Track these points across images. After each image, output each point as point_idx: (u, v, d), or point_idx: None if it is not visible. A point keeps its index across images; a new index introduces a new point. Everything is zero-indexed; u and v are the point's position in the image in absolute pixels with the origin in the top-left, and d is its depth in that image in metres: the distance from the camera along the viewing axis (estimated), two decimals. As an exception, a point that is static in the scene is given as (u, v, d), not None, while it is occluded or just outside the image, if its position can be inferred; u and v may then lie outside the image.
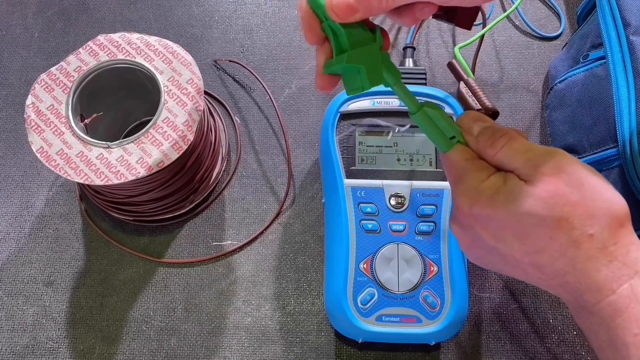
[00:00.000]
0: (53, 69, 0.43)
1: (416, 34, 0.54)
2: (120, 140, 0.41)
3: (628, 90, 0.39)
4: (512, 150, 0.28)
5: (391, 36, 0.56)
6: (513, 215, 0.27)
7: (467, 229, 0.30)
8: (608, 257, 0.25)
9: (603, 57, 0.43)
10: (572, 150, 0.45)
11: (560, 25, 0.56)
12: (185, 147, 0.41)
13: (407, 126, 0.44)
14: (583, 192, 0.26)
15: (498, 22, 0.52)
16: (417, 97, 0.44)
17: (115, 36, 0.44)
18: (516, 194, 0.26)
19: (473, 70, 0.51)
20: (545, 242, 0.26)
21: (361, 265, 0.41)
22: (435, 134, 0.30)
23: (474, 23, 0.33)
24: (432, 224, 0.41)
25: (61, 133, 0.41)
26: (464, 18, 0.32)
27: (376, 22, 0.39)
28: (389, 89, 0.44)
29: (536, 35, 0.55)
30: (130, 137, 0.41)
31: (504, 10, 0.57)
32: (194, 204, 0.48)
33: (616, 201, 0.26)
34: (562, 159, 0.27)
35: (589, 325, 0.27)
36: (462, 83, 0.48)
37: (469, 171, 0.29)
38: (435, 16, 0.32)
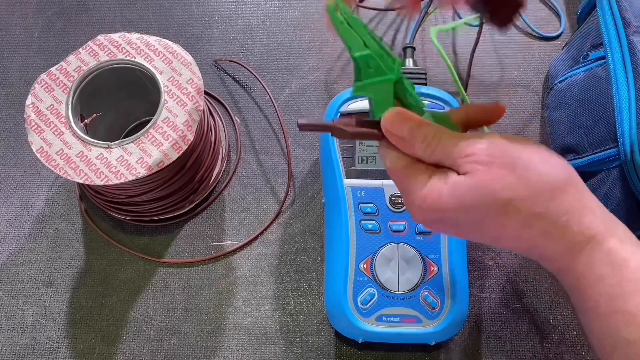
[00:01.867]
0: (53, 69, 0.43)
1: (416, 34, 0.54)
2: (120, 140, 0.41)
3: (628, 90, 0.39)
4: (444, 148, 0.27)
5: (391, 36, 0.56)
6: (461, 213, 0.27)
7: (429, 226, 0.30)
8: (562, 230, 0.25)
9: (603, 57, 0.43)
10: (572, 150, 0.45)
11: (560, 25, 0.56)
12: (185, 147, 0.41)
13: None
14: (518, 173, 0.25)
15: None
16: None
17: (115, 36, 0.44)
18: (458, 192, 0.26)
19: (469, 70, 0.51)
20: (500, 229, 0.26)
21: (361, 265, 0.41)
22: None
23: (512, 20, 0.32)
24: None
25: (61, 133, 0.41)
26: (503, 10, 0.31)
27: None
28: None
29: (536, 35, 0.55)
30: (130, 137, 0.41)
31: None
32: (194, 204, 0.48)
33: (551, 171, 0.26)
34: (491, 142, 0.26)
35: (567, 289, 0.28)
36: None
37: (410, 180, 0.28)
38: (472, 4, 0.31)
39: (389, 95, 0.29)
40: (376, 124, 0.29)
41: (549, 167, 0.26)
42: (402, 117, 0.29)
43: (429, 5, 0.54)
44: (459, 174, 0.27)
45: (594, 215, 0.26)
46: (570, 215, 0.25)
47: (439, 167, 0.28)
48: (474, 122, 0.30)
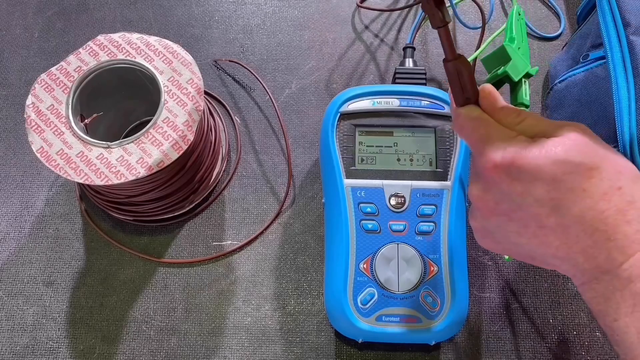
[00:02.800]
0: (53, 69, 0.43)
1: (416, 34, 0.54)
2: (120, 140, 0.41)
3: (628, 90, 0.39)
4: (536, 118, 0.28)
5: (391, 36, 0.56)
6: (548, 161, 0.26)
7: (493, 187, 0.29)
8: (637, 211, 0.25)
9: (603, 57, 0.43)
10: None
11: (560, 25, 0.56)
12: (185, 147, 0.41)
13: None
14: (608, 149, 0.26)
15: (498, 34, 0.52)
16: (417, 97, 0.44)
17: (115, 36, 0.44)
18: (550, 143, 0.26)
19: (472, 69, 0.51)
20: (577, 195, 0.26)
21: (361, 265, 0.41)
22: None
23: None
24: (432, 224, 0.41)
25: (61, 133, 0.41)
26: None
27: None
28: (388, 88, 0.44)
29: (536, 35, 0.55)
30: (130, 137, 0.41)
31: (504, 10, 0.57)
32: (194, 204, 0.48)
33: (630, 165, 0.27)
34: (582, 127, 0.27)
35: (607, 293, 0.26)
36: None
37: (499, 128, 0.29)
38: None
39: (519, 71, 0.33)
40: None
41: (628, 163, 0.27)
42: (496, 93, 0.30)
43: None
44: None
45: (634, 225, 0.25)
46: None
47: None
48: None
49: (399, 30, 0.56)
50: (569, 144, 0.26)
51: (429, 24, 0.56)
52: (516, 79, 0.31)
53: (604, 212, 0.25)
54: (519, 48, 0.32)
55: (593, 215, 0.26)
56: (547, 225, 0.27)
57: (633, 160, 0.37)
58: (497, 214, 0.29)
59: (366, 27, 0.56)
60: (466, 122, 0.30)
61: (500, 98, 0.30)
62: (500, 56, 0.31)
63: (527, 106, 0.31)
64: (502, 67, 0.31)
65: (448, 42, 0.30)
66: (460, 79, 0.30)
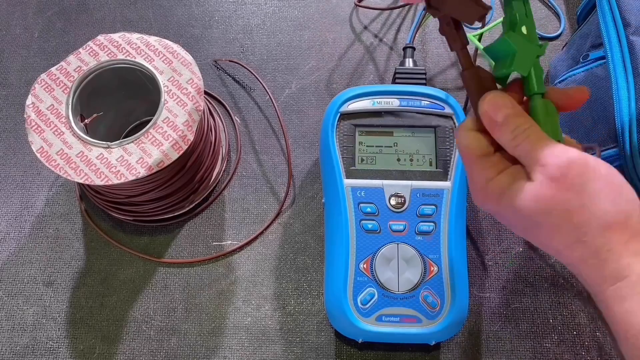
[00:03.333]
0: (53, 69, 0.43)
1: (416, 34, 0.54)
2: (120, 140, 0.41)
3: (628, 90, 0.39)
4: (528, 146, 0.28)
5: (391, 36, 0.56)
6: (518, 215, 0.28)
7: (485, 210, 0.32)
8: (599, 262, 0.27)
9: (603, 57, 0.43)
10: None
11: (560, 25, 0.56)
12: (185, 147, 0.41)
13: None
14: (581, 201, 0.26)
15: (495, 25, 0.52)
16: (417, 97, 0.44)
17: (115, 36, 0.44)
18: (519, 197, 0.28)
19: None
20: (547, 240, 0.28)
21: (361, 265, 0.41)
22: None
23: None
24: (432, 224, 0.41)
25: (61, 133, 0.41)
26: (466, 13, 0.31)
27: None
28: (388, 88, 0.44)
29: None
30: (130, 137, 0.41)
31: (504, 10, 0.57)
32: (194, 204, 0.48)
33: (612, 210, 0.26)
34: (571, 161, 0.27)
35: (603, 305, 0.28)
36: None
37: (480, 169, 0.30)
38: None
39: (528, 61, 0.30)
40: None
41: (612, 205, 0.26)
42: (504, 101, 0.29)
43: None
44: (528, 178, 0.28)
45: (635, 259, 0.26)
46: (611, 253, 0.26)
47: (512, 164, 0.29)
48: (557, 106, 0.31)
49: (398, 30, 0.56)
50: (537, 201, 0.27)
51: (429, 23, 0.56)
52: (526, 74, 0.30)
53: (571, 258, 0.28)
54: (522, 27, 0.31)
55: (564, 258, 0.28)
56: (538, 240, 0.29)
57: (633, 160, 0.37)
58: (495, 216, 0.32)
59: (365, 27, 0.56)
60: (459, 149, 0.32)
61: (504, 108, 0.29)
62: (504, 49, 0.30)
63: (542, 94, 0.30)
64: (507, 67, 0.31)
65: (467, 58, 0.31)
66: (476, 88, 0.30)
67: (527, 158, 0.28)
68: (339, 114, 0.44)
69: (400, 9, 0.57)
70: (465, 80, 0.31)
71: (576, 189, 0.26)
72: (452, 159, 0.43)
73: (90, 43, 0.44)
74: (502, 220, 0.31)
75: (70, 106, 0.42)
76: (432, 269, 0.41)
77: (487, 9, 0.30)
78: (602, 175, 0.27)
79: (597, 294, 0.28)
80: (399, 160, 0.44)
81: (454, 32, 0.30)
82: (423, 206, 0.42)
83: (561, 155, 0.27)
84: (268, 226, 0.48)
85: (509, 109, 0.29)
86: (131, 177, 0.39)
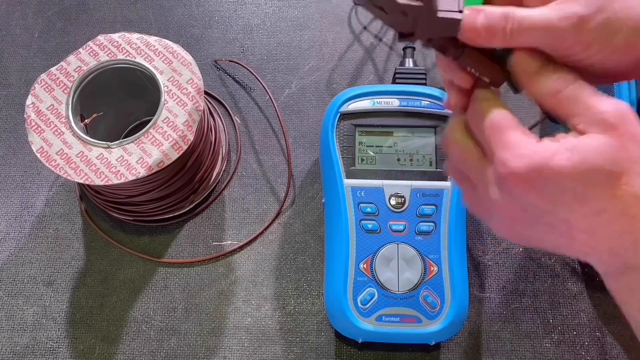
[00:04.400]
0: (53, 69, 0.43)
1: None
2: (120, 140, 0.41)
3: (629, 89, 0.39)
4: (577, 92, 0.25)
5: (390, 36, 0.56)
6: (577, 172, 0.24)
7: (517, 197, 0.26)
8: None
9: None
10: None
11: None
12: (185, 147, 0.41)
13: None
14: None
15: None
16: (417, 97, 0.44)
17: (115, 36, 0.44)
18: (579, 150, 0.24)
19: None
20: (608, 201, 0.24)
21: (361, 265, 0.41)
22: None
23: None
24: (432, 224, 0.41)
25: (61, 133, 0.41)
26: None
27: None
28: (388, 88, 0.44)
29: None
30: (130, 137, 0.41)
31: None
32: (194, 204, 0.48)
33: None
34: (623, 110, 0.24)
35: (632, 285, 0.25)
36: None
37: (521, 133, 0.26)
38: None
39: None
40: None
41: None
42: (535, 54, 0.26)
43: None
44: (577, 132, 0.25)
45: None
46: None
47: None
48: None
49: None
50: (600, 152, 0.24)
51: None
52: None
53: (635, 217, 0.24)
54: None
55: (623, 221, 0.24)
56: (577, 226, 0.26)
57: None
58: (523, 219, 0.27)
59: (365, 28, 0.56)
60: (486, 126, 0.27)
61: (538, 56, 0.26)
62: None
63: None
64: None
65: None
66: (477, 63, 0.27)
67: (574, 106, 0.25)
68: (339, 114, 0.44)
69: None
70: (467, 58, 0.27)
71: (636, 139, 0.23)
72: (452, 159, 0.43)
73: (90, 43, 0.44)
74: (542, 194, 0.25)
75: (70, 106, 0.42)
76: (432, 269, 0.41)
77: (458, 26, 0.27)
78: None
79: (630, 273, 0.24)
80: (399, 160, 0.44)
81: (491, 65, 0.27)
82: (423, 206, 0.42)
83: (612, 102, 0.24)
84: (268, 226, 0.48)
85: (542, 56, 0.26)
86: (131, 177, 0.39)
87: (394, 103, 0.44)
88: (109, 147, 0.41)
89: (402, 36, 0.27)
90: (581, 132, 0.24)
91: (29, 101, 0.42)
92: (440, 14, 0.25)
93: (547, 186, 0.25)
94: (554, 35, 0.25)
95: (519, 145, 0.25)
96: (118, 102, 0.48)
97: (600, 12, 0.24)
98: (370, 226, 0.41)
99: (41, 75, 0.43)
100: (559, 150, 0.24)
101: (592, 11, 0.24)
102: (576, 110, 0.25)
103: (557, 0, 0.25)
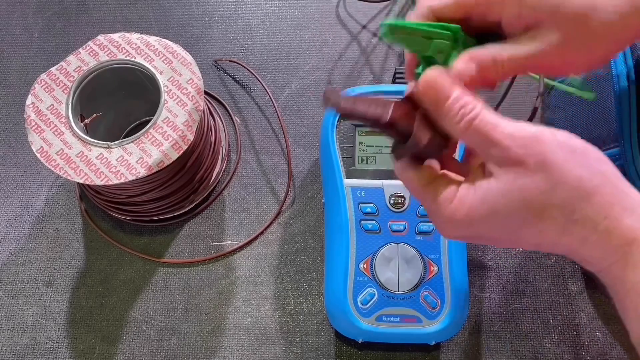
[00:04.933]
0: (53, 69, 0.43)
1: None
2: (120, 140, 0.41)
3: (629, 88, 0.39)
4: (481, 132, 0.25)
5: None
6: (495, 223, 0.25)
7: (462, 240, 0.29)
8: (601, 235, 0.24)
9: (603, 57, 0.43)
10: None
11: (561, 25, 0.56)
12: (185, 147, 0.41)
13: None
14: (554, 177, 0.24)
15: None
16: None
17: (115, 36, 0.44)
18: (489, 201, 0.25)
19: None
20: (536, 237, 0.25)
21: (361, 265, 0.41)
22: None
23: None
24: (432, 224, 0.41)
25: (61, 133, 0.41)
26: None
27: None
28: (388, 88, 0.44)
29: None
30: (130, 137, 0.41)
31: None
32: (194, 204, 0.48)
33: (588, 174, 0.24)
34: (530, 137, 0.24)
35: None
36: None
37: (434, 197, 0.27)
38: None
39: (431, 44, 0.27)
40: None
41: (586, 169, 0.24)
42: (446, 78, 0.26)
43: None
44: (487, 174, 0.25)
45: (634, 216, 0.24)
46: (609, 219, 0.24)
47: (464, 174, 0.27)
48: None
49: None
50: (510, 198, 0.24)
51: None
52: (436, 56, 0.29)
53: (569, 246, 0.25)
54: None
55: (561, 246, 0.25)
56: (527, 247, 0.27)
57: (634, 160, 0.37)
58: (478, 242, 0.29)
59: (365, 27, 0.56)
60: (403, 182, 0.29)
61: (445, 86, 0.26)
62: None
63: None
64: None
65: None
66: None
67: (482, 144, 0.25)
68: (339, 114, 0.44)
69: (400, 2, 0.57)
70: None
71: (544, 166, 0.24)
72: (452, 159, 0.43)
73: (90, 43, 0.44)
74: (482, 241, 0.27)
75: (70, 106, 0.42)
76: (432, 269, 0.41)
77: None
78: (561, 142, 0.24)
79: (606, 272, 0.25)
80: (399, 160, 0.44)
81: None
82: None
83: (517, 132, 0.24)
84: (268, 226, 0.48)
85: (455, 87, 0.26)
86: (131, 177, 0.39)
87: (394, 103, 0.44)
88: (109, 147, 0.41)
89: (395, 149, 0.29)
90: (489, 171, 0.25)
91: (29, 101, 0.42)
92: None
93: (479, 232, 0.26)
94: (537, 63, 0.27)
95: (437, 212, 0.27)
96: (118, 102, 0.48)
97: None
98: (370, 226, 0.41)
99: (41, 75, 0.43)
100: (473, 206, 0.25)
101: None
102: (483, 145, 0.25)
103: (525, 36, 0.27)
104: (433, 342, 0.40)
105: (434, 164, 0.29)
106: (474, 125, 0.25)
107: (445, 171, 0.29)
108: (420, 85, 0.26)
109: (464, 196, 0.26)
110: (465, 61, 0.27)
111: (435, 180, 0.27)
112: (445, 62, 0.28)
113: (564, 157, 0.24)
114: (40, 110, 0.42)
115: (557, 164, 0.24)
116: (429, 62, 0.28)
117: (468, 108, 0.25)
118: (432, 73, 0.26)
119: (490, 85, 0.28)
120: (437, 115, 0.26)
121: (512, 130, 0.24)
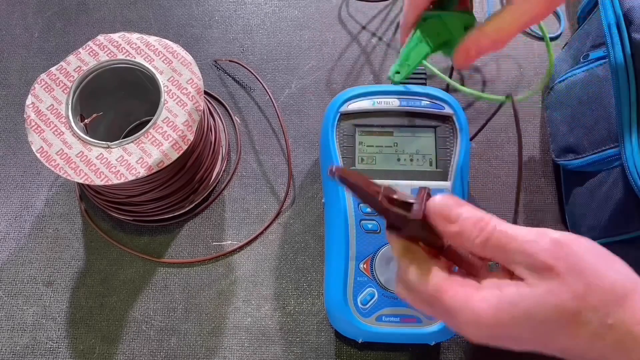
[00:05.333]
0: (53, 69, 0.43)
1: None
2: (120, 140, 0.41)
3: (629, 88, 0.39)
4: (500, 249, 0.25)
5: (389, 35, 0.56)
6: (526, 329, 0.25)
7: (486, 343, 0.27)
8: (636, 339, 0.24)
9: (603, 57, 0.43)
10: (572, 150, 0.45)
11: (560, 25, 0.56)
12: (185, 147, 0.41)
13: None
14: (588, 280, 0.24)
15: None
16: (417, 97, 0.44)
17: (115, 36, 0.44)
18: (521, 306, 0.24)
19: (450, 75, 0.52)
20: (568, 341, 0.25)
21: (361, 265, 0.41)
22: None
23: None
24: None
25: (61, 133, 0.41)
26: None
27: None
28: (388, 88, 0.44)
29: (536, 35, 0.55)
30: (130, 137, 0.41)
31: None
32: (194, 204, 0.48)
33: (619, 278, 0.24)
34: (556, 243, 0.25)
35: None
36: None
37: (455, 296, 0.26)
38: None
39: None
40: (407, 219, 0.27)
41: (617, 274, 0.24)
42: (453, 200, 0.26)
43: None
44: (515, 277, 0.25)
45: None
46: None
47: (482, 275, 0.26)
48: None
49: (396, 29, 0.56)
50: (543, 303, 0.24)
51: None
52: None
53: (603, 349, 0.24)
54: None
55: (595, 352, 0.25)
56: (557, 348, 0.26)
57: (634, 161, 0.37)
58: (502, 345, 0.27)
59: (364, 27, 0.56)
60: (422, 294, 0.27)
61: (456, 205, 0.26)
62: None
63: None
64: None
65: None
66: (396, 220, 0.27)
67: (504, 253, 0.25)
68: (339, 114, 0.44)
69: (399, 3, 0.57)
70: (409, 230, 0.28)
71: (577, 270, 0.24)
72: (452, 159, 0.43)
73: (90, 43, 0.44)
74: (509, 343, 0.26)
75: (70, 106, 0.42)
76: (432, 269, 0.40)
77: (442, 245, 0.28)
78: (589, 247, 0.25)
79: None
80: (399, 160, 0.44)
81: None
82: (423, 206, 0.42)
83: (540, 238, 0.24)
84: (268, 226, 0.48)
85: (465, 205, 0.26)
86: (131, 177, 0.39)
87: (394, 103, 0.44)
88: (108, 147, 0.41)
89: (390, 227, 0.28)
90: (519, 278, 0.25)
91: (29, 101, 0.42)
92: (412, 215, 0.26)
93: (504, 340, 0.25)
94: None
95: (460, 312, 0.25)
96: (118, 102, 0.48)
97: None
98: (370, 226, 0.41)
99: (41, 75, 0.43)
100: (501, 309, 0.24)
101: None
102: (507, 257, 0.25)
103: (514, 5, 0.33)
104: (433, 342, 0.40)
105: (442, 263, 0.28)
106: (493, 240, 0.25)
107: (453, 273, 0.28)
108: (430, 210, 0.27)
109: (490, 297, 0.25)
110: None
111: (452, 278, 0.26)
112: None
113: (595, 261, 0.24)
114: (40, 110, 0.42)
115: (589, 268, 0.24)
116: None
117: (482, 224, 0.25)
118: (439, 199, 0.26)
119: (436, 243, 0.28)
120: (451, 237, 0.26)
121: (533, 236, 0.25)
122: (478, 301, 0.25)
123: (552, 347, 0.25)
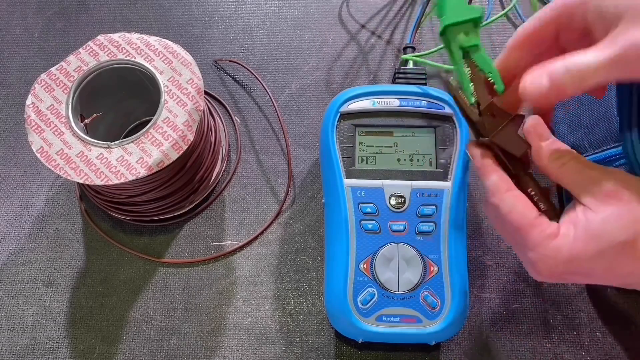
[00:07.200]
0: (53, 69, 0.43)
1: (415, 33, 0.54)
2: (120, 140, 0.41)
3: (630, 88, 0.39)
4: (575, 173, 0.28)
5: (388, 35, 0.56)
6: (596, 256, 0.27)
7: (558, 279, 0.30)
8: None
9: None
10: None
11: (561, 25, 0.56)
12: (185, 147, 0.41)
13: None
14: None
15: (496, 19, 0.52)
16: (417, 97, 0.44)
17: (115, 36, 0.44)
18: (592, 233, 0.27)
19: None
20: (632, 263, 0.27)
21: (361, 265, 0.41)
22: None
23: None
24: (432, 224, 0.41)
25: (61, 133, 0.41)
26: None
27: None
28: (388, 88, 0.44)
29: (536, 35, 0.55)
30: (130, 137, 0.41)
31: (503, 9, 0.56)
32: (194, 204, 0.48)
33: None
34: (619, 177, 0.28)
35: None
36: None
37: (537, 236, 0.28)
38: None
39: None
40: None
41: None
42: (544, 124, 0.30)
43: (427, 6, 0.54)
44: (587, 207, 0.27)
45: None
46: None
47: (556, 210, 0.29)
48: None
49: (395, 29, 0.56)
50: (610, 226, 0.26)
51: (429, 22, 0.56)
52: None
53: None
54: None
55: None
56: (618, 282, 0.29)
57: (637, 160, 0.37)
58: (573, 280, 0.30)
59: (364, 27, 0.56)
60: (501, 219, 0.31)
61: (546, 133, 0.30)
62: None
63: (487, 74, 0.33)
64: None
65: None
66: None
67: (577, 179, 0.28)
68: (339, 114, 0.44)
69: (399, 3, 0.57)
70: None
71: (638, 198, 0.26)
72: (452, 159, 0.43)
73: (90, 43, 0.44)
74: (575, 277, 0.29)
75: (70, 106, 0.42)
76: (432, 269, 0.41)
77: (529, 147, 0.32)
78: None
79: None
80: (399, 160, 0.44)
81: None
82: (423, 206, 0.42)
83: (606, 174, 0.27)
84: (268, 226, 0.48)
85: (549, 132, 0.30)
86: (131, 177, 0.39)
87: (394, 103, 0.44)
88: (109, 147, 0.41)
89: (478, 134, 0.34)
90: (587, 207, 0.27)
91: (29, 101, 0.42)
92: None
93: (575, 272, 0.28)
94: (623, 67, 0.26)
95: (541, 246, 0.28)
96: (118, 102, 0.48)
97: None
98: (370, 226, 0.41)
99: (41, 75, 0.43)
100: (577, 238, 0.27)
101: None
102: (579, 181, 0.28)
103: (606, 39, 0.26)
104: (433, 342, 0.40)
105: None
106: (571, 163, 0.29)
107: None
108: (527, 125, 0.31)
109: (567, 232, 0.28)
110: (533, 76, 0.29)
111: (538, 217, 0.29)
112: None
113: None
114: (40, 110, 0.42)
115: None
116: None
117: (565, 149, 0.29)
118: (536, 117, 0.31)
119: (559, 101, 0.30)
120: (537, 153, 0.30)
121: (602, 169, 0.28)
122: (559, 237, 0.28)
123: (619, 273, 0.27)
